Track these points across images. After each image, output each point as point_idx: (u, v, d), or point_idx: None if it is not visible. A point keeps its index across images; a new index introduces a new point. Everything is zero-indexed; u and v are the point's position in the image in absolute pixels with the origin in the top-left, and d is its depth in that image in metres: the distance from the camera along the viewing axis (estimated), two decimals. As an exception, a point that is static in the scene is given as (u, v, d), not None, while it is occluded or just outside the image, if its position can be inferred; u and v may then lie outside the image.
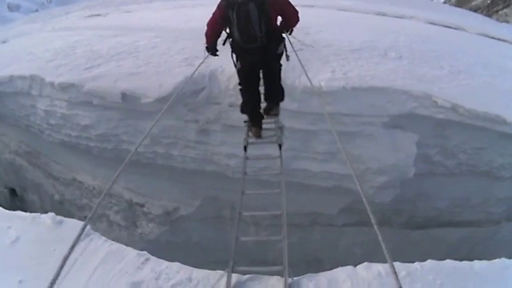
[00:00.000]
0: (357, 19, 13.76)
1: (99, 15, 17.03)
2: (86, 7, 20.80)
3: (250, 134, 7.18)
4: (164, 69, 9.31)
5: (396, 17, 14.73)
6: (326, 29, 11.06)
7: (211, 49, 6.73)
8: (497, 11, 36.94)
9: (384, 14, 14.85)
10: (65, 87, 9.68)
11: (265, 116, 7.29)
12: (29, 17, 26.71)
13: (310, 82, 6.22)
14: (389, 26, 12.79)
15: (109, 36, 12.25)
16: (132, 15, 16.13)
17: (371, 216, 3.02)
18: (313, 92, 7.54)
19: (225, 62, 8.77)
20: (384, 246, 2.71)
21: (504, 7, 36.30)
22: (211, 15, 6.25)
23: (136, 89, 8.85)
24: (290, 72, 8.37)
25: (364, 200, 3.21)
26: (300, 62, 6.81)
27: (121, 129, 9.54)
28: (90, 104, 9.50)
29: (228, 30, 6.29)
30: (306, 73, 6.36)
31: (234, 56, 6.54)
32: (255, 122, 7.14)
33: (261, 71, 6.86)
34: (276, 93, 7.17)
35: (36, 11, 40.78)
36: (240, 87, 7.04)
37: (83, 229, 3.04)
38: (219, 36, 6.53)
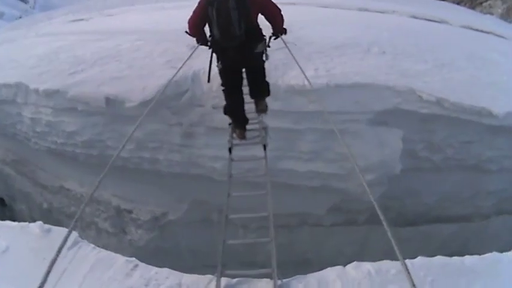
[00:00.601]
0: (339, 15, 13.77)
1: (82, 19, 16.94)
2: (69, 12, 20.69)
3: (234, 135, 7.07)
4: (147, 72, 9.28)
5: (379, 12, 14.74)
6: (308, 26, 11.04)
7: (201, 39, 6.42)
8: (481, 3, 36.96)
9: (366, 10, 14.86)
10: (49, 94, 9.64)
11: (249, 120, 7.15)
12: (13, 24, 26.59)
13: (307, 79, 6.16)
14: (372, 22, 12.80)
15: (92, 40, 12.19)
16: (114, 19, 16.06)
17: (380, 215, 2.98)
18: (306, 90, 7.73)
19: (208, 63, 8.76)
20: (395, 245, 2.68)
21: (488, -1, 36.39)
22: (191, 13, 6.13)
23: (120, 93, 8.82)
24: (272, 71, 8.34)
25: (372, 201, 3.16)
26: (294, 58, 6.69)
27: (106, 134, 9.47)
28: (75, 110, 9.44)
29: (209, 29, 6.13)
30: (302, 70, 6.25)
31: (215, 55, 6.41)
32: (239, 123, 7.03)
33: (243, 69, 6.72)
34: (262, 89, 7.02)
35: (20, 17, 40.54)
36: (223, 88, 6.89)
37: (68, 234, 3.01)
38: (203, 29, 6.28)
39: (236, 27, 5.66)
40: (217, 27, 5.72)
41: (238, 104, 6.91)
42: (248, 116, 7.17)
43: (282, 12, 6.32)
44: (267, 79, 7.07)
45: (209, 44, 6.31)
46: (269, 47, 6.54)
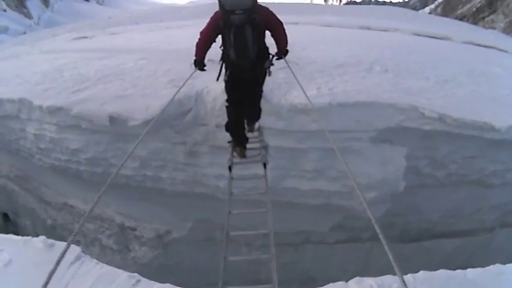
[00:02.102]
0: (341, 34, 13.87)
1: (85, 37, 17.06)
2: (72, 29, 20.86)
3: (234, 153, 7.33)
4: (150, 91, 9.31)
5: (381, 30, 14.83)
6: (310, 45, 11.11)
7: (199, 63, 6.71)
8: (483, 18, 37.16)
9: (368, 28, 14.96)
10: (53, 111, 9.66)
11: (249, 137, 7.48)
12: (17, 39, 26.76)
13: (308, 98, 6.22)
14: (374, 40, 12.88)
15: (95, 58, 12.26)
16: (118, 37, 16.16)
17: (379, 232, 3.00)
18: (309, 109, 7.73)
19: (211, 82, 8.81)
20: (392, 259, 2.70)
21: (490, 13, 36.53)
22: (204, 27, 6.41)
23: (123, 111, 8.83)
24: (275, 90, 8.42)
25: (371, 218, 3.19)
26: (296, 78, 6.84)
27: (110, 152, 9.48)
28: (79, 128, 9.45)
29: (222, 47, 6.45)
30: (303, 90, 6.41)
31: (224, 68, 6.71)
32: (239, 142, 7.34)
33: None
34: (255, 112, 7.47)
35: (24, 33, 40.79)
36: (226, 104, 7.22)
37: (68, 246, 3.03)
38: (208, 48, 6.60)
39: (251, 51, 6.15)
40: (234, 50, 6.14)
41: (240, 122, 7.30)
42: (248, 134, 7.52)
43: (285, 26, 6.57)
44: (264, 100, 7.66)
45: (221, 59, 6.66)
46: (273, 65, 6.82)
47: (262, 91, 7.24)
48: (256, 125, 7.88)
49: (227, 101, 7.18)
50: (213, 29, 6.29)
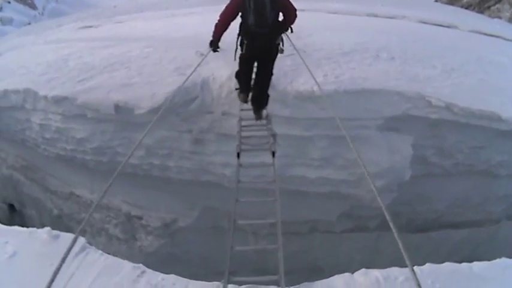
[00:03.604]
0: (348, 21, 13.76)
1: (91, 26, 16.94)
2: (77, 19, 20.74)
3: (239, 99, 8.13)
4: (156, 79, 9.27)
5: (388, 17, 14.72)
6: (317, 32, 11.03)
7: (215, 44, 7.50)
8: (489, 7, 36.91)
9: (375, 15, 14.84)
10: (58, 101, 9.63)
11: (257, 125, 7.94)
12: (22, 30, 26.68)
13: (318, 85, 6.38)
14: (381, 27, 12.77)
15: (101, 47, 12.19)
16: (123, 26, 16.04)
17: (390, 223, 2.98)
18: (316, 96, 8.01)
19: (217, 69, 8.80)
20: (404, 252, 2.68)
21: (496, 2, 36.30)
22: (224, 8, 7.13)
23: (129, 100, 8.81)
24: (282, 78, 8.40)
25: (382, 207, 3.16)
26: (306, 64, 7.32)
27: (116, 141, 9.47)
28: (84, 117, 9.43)
29: (242, 16, 7.01)
30: (313, 76, 6.85)
31: (241, 40, 7.33)
32: (244, 89, 8.01)
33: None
34: (263, 96, 7.90)
35: (29, 24, 40.76)
36: (239, 62, 7.81)
37: (74, 241, 3.02)
38: (226, 29, 7.28)
39: (268, 16, 6.79)
40: (253, 14, 6.75)
41: (248, 74, 7.85)
42: (256, 122, 7.88)
43: (297, 12, 7.22)
44: (271, 87, 7.98)
45: (239, 32, 7.28)
46: (282, 51, 7.51)
47: (272, 71, 7.72)
48: (264, 112, 7.99)
49: (239, 64, 7.81)
50: (234, 6, 6.98)
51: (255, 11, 6.73)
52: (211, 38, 7.48)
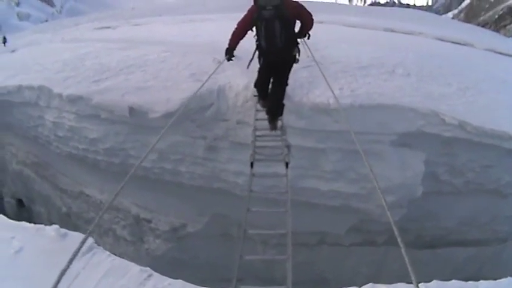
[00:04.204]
0: (366, 35, 13.79)
1: (108, 27, 17.08)
2: (95, 19, 20.92)
3: (258, 105, 8.30)
4: (172, 84, 9.32)
5: (405, 33, 14.75)
6: (334, 45, 11.07)
7: (230, 52, 7.69)
8: (504, 26, 36.96)
9: (392, 30, 14.89)
10: (73, 100, 9.70)
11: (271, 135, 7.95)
12: (39, 26, 26.93)
13: (336, 98, 6.48)
14: (398, 43, 12.80)
15: (118, 49, 12.26)
16: (141, 29, 16.17)
17: (399, 239, 2.99)
18: (331, 109, 8.07)
19: (233, 78, 8.83)
20: (410, 269, 2.68)
21: (511, 22, 36.31)
22: (241, 19, 7.35)
23: (144, 103, 8.87)
24: (298, 89, 8.41)
25: (391, 222, 3.18)
26: (322, 72, 7.38)
27: (129, 143, 9.51)
28: (98, 118, 9.50)
29: (256, 37, 7.29)
30: (331, 89, 6.72)
31: (257, 55, 7.68)
32: (262, 96, 8.10)
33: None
34: (279, 97, 7.92)
35: (46, 21, 41.01)
36: (259, 69, 7.94)
37: (84, 241, 3.04)
38: (242, 38, 7.53)
39: (279, 41, 7.05)
40: (265, 40, 7.11)
41: (265, 85, 7.99)
42: (271, 132, 7.91)
43: (313, 18, 7.47)
44: (286, 98, 8.06)
45: (256, 46, 7.52)
46: (297, 61, 7.70)
47: (287, 81, 7.85)
48: (279, 123, 8.01)
49: (259, 71, 7.95)
50: (249, 20, 7.18)
51: (265, 36, 7.07)
52: (227, 46, 7.67)
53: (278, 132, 7.87)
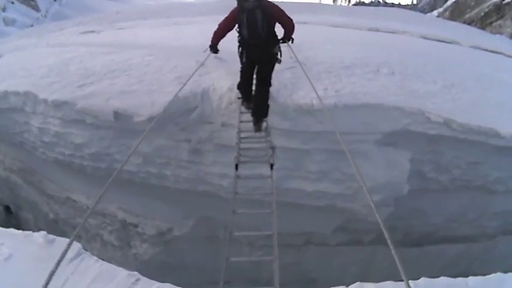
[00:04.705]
0: (349, 35, 13.82)
1: (93, 31, 17.03)
2: (80, 23, 20.83)
3: (242, 107, 8.40)
4: (157, 87, 9.28)
5: (389, 32, 14.78)
6: (318, 45, 11.07)
7: (214, 47, 8.50)
8: (491, 23, 37.07)
9: (376, 30, 14.92)
10: (58, 105, 9.64)
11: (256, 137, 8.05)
12: (24, 31, 26.79)
13: (320, 99, 6.45)
14: (382, 42, 12.82)
15: (102, 53, 12.21)
16: (125, 32, 16.12)
17: (388, 239, 2.99)
18: (316, 110, 8.09)
19: (217, 80, 8.83)
20: (400, 267, 2.69)
21: (498, 19, 36.45)
22: (223, 19, 7.91)
23: (128, 107, 8.82)
24: (282, 90, 8.41)
25: (379, 221, 3.18)
26: (305, 73, 7.63)
27: (114, 148, 9.46)
28: (83, 122, 9.43)
29: (238, 30, 7.63)
30: (314, 90, 6.96)
31: (241, 51, 7.92)
32: (246, 98, 8.29)
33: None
34: (263, 95, 8.09)
35: (32, 25, 40.85)
36: (240, 70, 8.17)
37: (70, 244, 3.04)
38: (224, 36, 8.17)
39: (260, 30, 7.35)
40: (247, 29, 7.38)
41: (249, 84, 8.19)
42: (255, 134, 8.00)
43: (294, 22, 7.93)
44: (270, 100, 8.20)
45: (238, 42, 7.83)
46: (280, 62, 7.96)
47: (270, 82, 8.07)
48: (264, 124, 8.12)
49: (241, 71, 8.17)
50: (232, 20, 7.67)
51: (247, 26, 7.34)
52: (210, 43, 8.42)
53: (263, 133, 7.93)
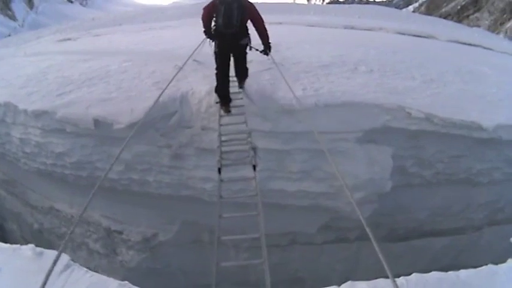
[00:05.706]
0: (326, 34, 13.86)
1: (69, 39, 16.95)
2: (57, 31, 20.78)
3: (222, 111, 8.51)
4: (135, 93, 9.26)
5: (365, 29, 14.84)
6: (295, 46, 11.11)
7: (208, 31, 8.42)
8: (467, 16, 37.32)
9: (352, 28, 14.98)
10: (38, 115, 9.58)
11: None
12: (2, 41, 26.61)
13: (297, 98, 6.44)
14: (359, 39, 12.89)
15: (80, 61, 12.17)
16: (102, 39, 16.07)
17: (371, 237, 3.00)
18: (296, 110, 8.08)
19: (195, 84, 8.83)
20: (386, 266, 2.69)
21: (475, 11, 36.69)
22: (203, 8, 8.23)
23: (108, 115, 8.77)
24: (261, 92, 8.54)
25: (362, 219, 3.18)
26: (282, 74, 7.86)
27: (95, 156, 9.40)
28: (64, 132, 9.37)
29: (215, 19, 8.04)
30: (292, 91, 7.10)
31: (213, 41, 8.35)
32: (225, 101, 8.54)
33: (231, 56, 8.47)
34: (243, 71, 8.80)
35: (9, 35, 40.61)
36: (216, 71, 8.47)
37: (56, 260, 3.01)
38: (210, 20, 8.25)
39: (235, 19, 7.82)
40: (222, 17, 7.82)
41: (226, 86, 8.53)
42: (237, 136, 7.95)
43: (265, 24, 8.28)
44: (249, 101, 8.59)
45: (212, 33, 8.28)
46: (250, 48, 8.44)
47: (246, 56, 8.62)
48: (247, 81, 8.97)
49: (216, 69, 8.45)
50: (211, 7, 8.01)
51: (224, 15, 7.80)
52: (203, 29, 8.37)
53: (244, 135, 7.93)
